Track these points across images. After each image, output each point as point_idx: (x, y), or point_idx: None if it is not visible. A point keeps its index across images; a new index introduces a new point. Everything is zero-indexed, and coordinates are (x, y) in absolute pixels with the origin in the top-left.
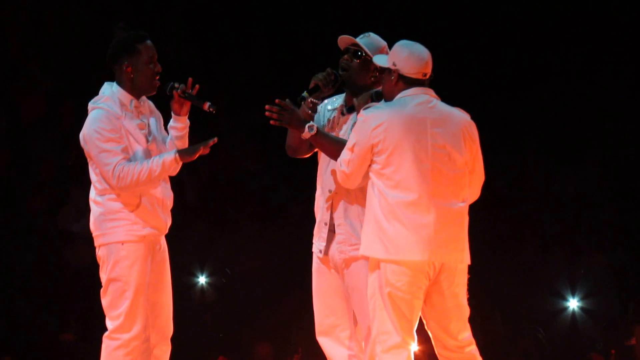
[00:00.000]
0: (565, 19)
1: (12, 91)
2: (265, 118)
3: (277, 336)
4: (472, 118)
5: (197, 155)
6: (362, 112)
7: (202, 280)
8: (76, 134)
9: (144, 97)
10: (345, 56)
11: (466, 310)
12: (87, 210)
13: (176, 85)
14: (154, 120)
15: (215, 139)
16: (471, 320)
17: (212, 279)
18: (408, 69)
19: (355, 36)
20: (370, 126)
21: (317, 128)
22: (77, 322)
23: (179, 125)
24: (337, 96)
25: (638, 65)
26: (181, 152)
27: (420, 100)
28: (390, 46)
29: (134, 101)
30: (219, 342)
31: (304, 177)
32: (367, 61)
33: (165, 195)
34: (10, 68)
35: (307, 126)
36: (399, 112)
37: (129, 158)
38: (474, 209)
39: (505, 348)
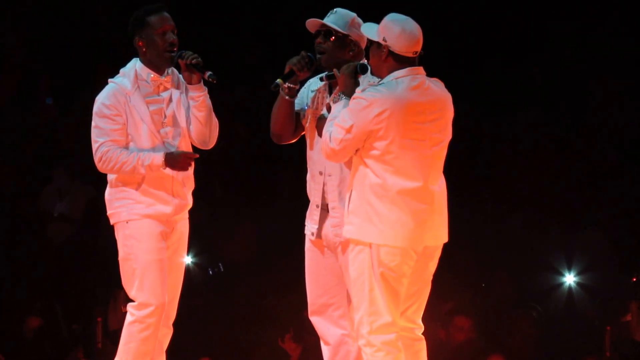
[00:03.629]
0: None
1: None
2: (252, 97)
3: (268, 317)
4: (466, 85)
5: (180, 165)
6: (362, 94)
7: (188, 260)
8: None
9: (169, 71)
10: (318, 39)
11: (428, 292)
12: (68, 191)
13: (183, 54)
14: (178, 93)
15: (196, 155)
16: (464, 296)
17: (198, 259)
18: (399, 47)
19: (322, 17)
20: (373, 112)
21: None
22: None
23: (194, 95)
24: (319, 76)
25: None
26: (167, 159)
27: (416, 83)
28: (376, 18)
29: (153, 75)
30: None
31: (294, 157)
32: (340, 38)
33: (176, 176)
34: None
35: None
36: (400, 98)
37: (123, 142)
38: (465, 181)
39: (500, 325)
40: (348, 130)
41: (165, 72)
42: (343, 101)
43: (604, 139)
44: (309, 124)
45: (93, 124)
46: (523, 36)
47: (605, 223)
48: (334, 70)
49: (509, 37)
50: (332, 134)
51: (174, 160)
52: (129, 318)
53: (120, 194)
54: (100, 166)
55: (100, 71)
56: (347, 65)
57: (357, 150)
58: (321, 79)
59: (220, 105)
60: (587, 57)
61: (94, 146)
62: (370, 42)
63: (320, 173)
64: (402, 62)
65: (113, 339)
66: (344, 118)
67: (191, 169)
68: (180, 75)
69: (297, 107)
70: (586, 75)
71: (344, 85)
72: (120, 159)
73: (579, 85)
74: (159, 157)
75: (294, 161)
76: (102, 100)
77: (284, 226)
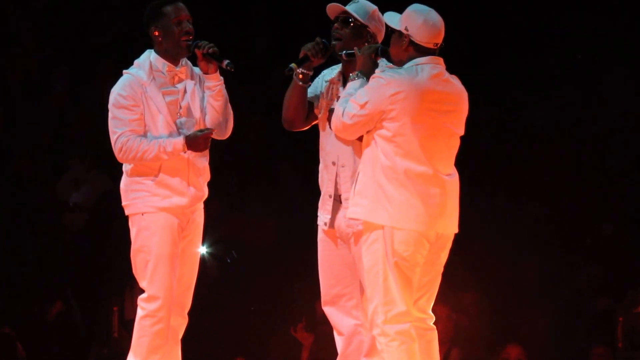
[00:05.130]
0: None
1: (4, 59)
2: (266, 88)
3: (280, 306)
4: (478, 78)
5: (202, 145)
6: (381, 73)
7: (202, 250)
8: (70, 104)
9: (183, 62)
10: (336, 25)
11: (439, 283)
12: (84, 181)
13: (199, 44)
14: (192, 84)
15: (213, 130)
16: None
17: (213, 249)
18: (420, 37)
19: (344, 4)
20: (389, 91)
21: None
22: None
23: (210, 84)
24: (334, 67)
25: None
26: (188, 142)
27: (435, 72)
28: (399, 9)
29: (168, 66)
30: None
31: (309, 148)
32: (358, 28)
33: (192, 167)
34: (2, 34)
35: None
36: (418, 83)
37: (141, 131)
38: (480, 172)
39: (514, 316)
40: (362, 106)
41: (180, 63)
42: (359, 80)
43: (619, 133)
44: (322, 114)
45: (110, 115)
46: (539, 29)
47: (619, 215)
48: (355, 48)
49: (525, 30)
50: (345, 109)
51: (194, 143)
52: (140, 312)
53: (135, 185)
54: (121, 157)
55: (106, 66)
56: (368, 45)
57: (368, 132)
58: (341, 57)
59: (234, 96)
60: (602, 50)
61: (113, 137)
62: (392, 30)
63: (333, 163)
64: (422, 52)
65: (129, 328)
66: (360, 94)
67: (207, 160)
68: (194, 67)
69: (310, 96)
70: (601, 70)
71: (362, 65)
72: (142, 147)
73: (594, 79)
74: (179, 142)
75: (309, 151)
76: (118, 91)
77: (297, 216)
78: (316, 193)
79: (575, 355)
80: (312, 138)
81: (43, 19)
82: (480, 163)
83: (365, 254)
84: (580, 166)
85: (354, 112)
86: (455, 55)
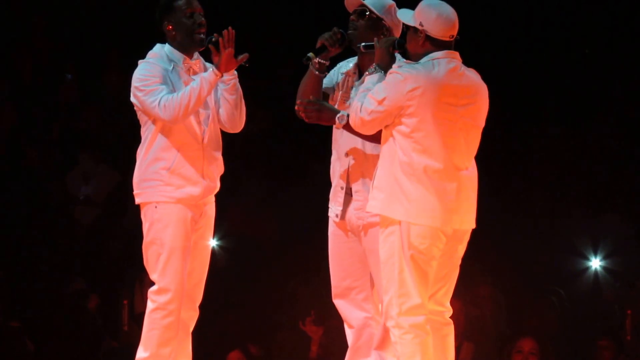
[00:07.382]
0: None
1: (15, 52)
2: (271, 77)
3: (289, 300)
4: (488, 74)
5: (234, 64)
6: (398, 69)
7: (212, 243)
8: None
9: (197, 56)
10: (352, 17)
11: (457, 276)
12: (94, 175)
13: (213, 39)
14: None
15: (246, 55)
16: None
17: (222, 242)
18: (436, 31)
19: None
20: (407, 87)
21: (347, 116)
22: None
23: (225, 78)
24: (350, 59)
25: None
26: (217, 65)
27: (452, 66)
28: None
29: (185, 58)
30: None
31: (318, 141)
32: (374, 20)
33: (207, 159)
34: (14, 29)
35: (337, 117)
36: (435, 78)
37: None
38: (490, 166)
39: (523, 309)
40: (380, 102)
41: (194, 56)
42: (377, 74)
43: (623, 127)
44: (337, 106)
45: (141, 94)
46: (549, 30)
47: (626, 206)
48: (374, 39)
49: (537, 29)
50: (363, 104)
51: (224, 61)
52: (150, 305)
53: (149, 174)
54: (168, 114)
55: (113, 56)
56: (386, 39)
57: (386, 127)
58: (359, 50)
59: (244, 89)
60: (606, 49)
61: (154, 106)
62: (407, 27)
63: (346, 155)
64: (439, 46)
65: (139, 321)
66: (378, 90)
67: (220, 152)
68: (206, 63)
69: (325, 87)
70: (605, 64)
71: (380, 59)
72: (183, 95)
73: (599, 75)
74: (208, 73)
75: (318, 144)
76: (142, 73)
77: (306, 209)
78: (328, 185)
79: (583, 348)
80: (323, 131)
81: (53, 11)
82: (490, 158)
83: (382, 245)
84: (588, 158)
85: (372, 108)
86: (467, 53)
